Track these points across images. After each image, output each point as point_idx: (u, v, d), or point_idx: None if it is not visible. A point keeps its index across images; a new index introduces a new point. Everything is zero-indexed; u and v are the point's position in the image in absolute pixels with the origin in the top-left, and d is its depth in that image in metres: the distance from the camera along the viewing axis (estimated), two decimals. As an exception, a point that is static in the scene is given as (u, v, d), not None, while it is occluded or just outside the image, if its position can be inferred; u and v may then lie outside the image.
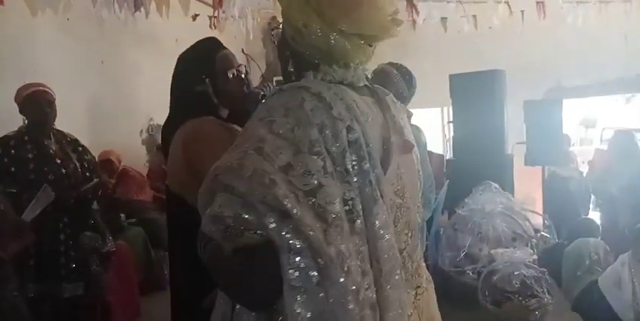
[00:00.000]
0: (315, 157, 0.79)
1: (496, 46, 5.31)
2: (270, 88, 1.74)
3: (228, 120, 1.46)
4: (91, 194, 2.50)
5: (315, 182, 0.78)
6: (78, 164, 2.48)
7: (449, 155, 5.07)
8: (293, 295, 0.75)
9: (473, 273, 3.03)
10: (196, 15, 4.48)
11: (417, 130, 2.41)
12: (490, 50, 5.28)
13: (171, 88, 1.48)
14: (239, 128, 1.43)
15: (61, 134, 2.51)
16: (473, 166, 3.87)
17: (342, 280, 0.75)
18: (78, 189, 2.41)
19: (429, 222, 3.30)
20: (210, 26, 4.53)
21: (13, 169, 2.28)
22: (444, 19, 5.22)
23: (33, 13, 3.27)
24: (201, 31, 4.65)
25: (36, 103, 2.38)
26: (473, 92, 3.93)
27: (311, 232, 0.74)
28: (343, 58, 0.92)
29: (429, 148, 4.54)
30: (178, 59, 1.48)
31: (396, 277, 0.86)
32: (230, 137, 1.32)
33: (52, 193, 2.12)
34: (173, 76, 1.47)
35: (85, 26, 3.85)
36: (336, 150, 0.81)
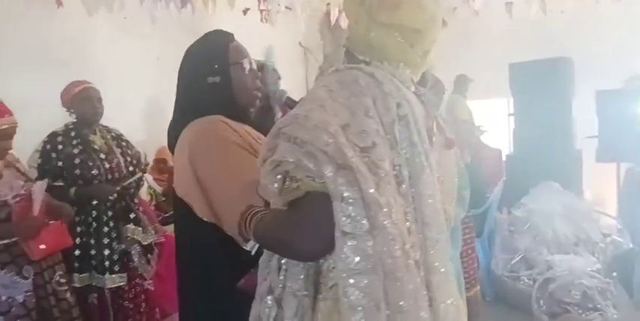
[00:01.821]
0: (370, 120, 0.85)
1: (567, 32, 4.88)
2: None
3: (241, 119, 1.36)
4: (133, 189, 2.57)
5: (370, 141, 0.83)
6: (122, 159, 2.55)
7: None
8: (344, 241, 0.80)
9: (528, 279, 2.80)
10: (247, 9, 4.49)
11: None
12: (561, 37, 4.86)
13: (178, 83, 1.39)
14: (252, 130, 1.35)
15: (106, 129, 2.59)
16: (535, 163, 3.59)
17: (389, 228, 0.80)
18: (121, 183, 2.48)
19: (481, 222, 3.10)
20: (261, 20, 4.53)
21: (60, 163, 2.38)
22: (508, 4, 4.88)
23: (90, 13, 3.41)
24: (252, 25, 4.67)
25: (88, 99, 2.46)
26: (535, 82, 3.62)
27: (364, 183, 0.79)
28: (384, 54, 0.97)
29: (490, 142, 4.27)
30: (187, 51, 1.39)
31: (441, 243, 0.89)
32: (240, 139, 1.26)
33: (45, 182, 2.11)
34: (181, 69, 1.38)
35: (140, 24, 3.97)
36: (387, 120, 0.87)
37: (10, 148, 2.01)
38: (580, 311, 2.51)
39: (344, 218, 0.80)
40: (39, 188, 2.02)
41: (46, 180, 2.14)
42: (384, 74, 0.93)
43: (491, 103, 6.35)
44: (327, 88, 0.89)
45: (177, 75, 1.40)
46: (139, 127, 3.94)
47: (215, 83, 1.32)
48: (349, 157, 0.80)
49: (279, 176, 0.84)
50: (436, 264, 0.89)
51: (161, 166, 3.87)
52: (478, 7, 4.46)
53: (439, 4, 1.01)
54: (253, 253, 1.05)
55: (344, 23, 4.77)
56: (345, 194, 0.80)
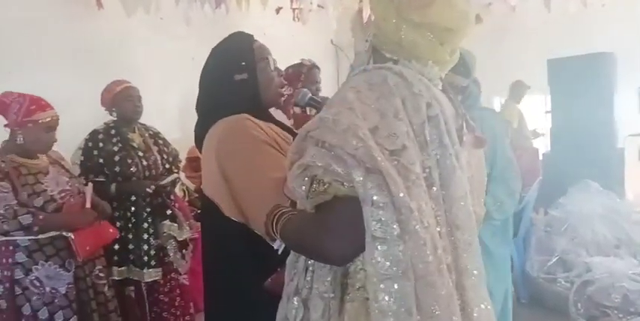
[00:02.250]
0: (400, 122, 0.84)
1: (609, 26, 4.70)
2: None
3: (266, 117, 1.38)
4: (169, 186, 2.64)
5: (400, 144, 0.82)
6: (159, 156, 2.62)
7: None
8: (374, 245, 0.79)
9: (565, 281, 2.72)
10: (280, 8, 4.52)
11: (492, 113, 2.24)
12: (602, 31, 4.68)
13: (201, 83, 1.40)
14: (277, 128, 1.36)
15: (144, 128, 2.66)
16: (574, 162, 3.48)
17: (421, 232, 0.79)
18: (158, 180, 2.55)
19: (516, 221, 3.02)
20: (293, 18, 4.55)
21: (101, 160, 2.47)
22: (546, -2, 4.74)
23: (128, 15, 3.52)
24: (285, 24, 4.70)
25: (129, 98, 2.55)
26: (575, 79, 3.50)
27: (394, 187, 0.78)
28: (414, 52, 0.95)
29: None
30: (212, 52, 1.40)
31: (473, 246, 0.89)
32: (268, 137, 1.27)
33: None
34: (206, 69, 1.39)
35: (176, 24, 4.06)
36: (417, 121, 0.86)
37: (56, 140, 2.10)
38: (620, 315, 2.42)
39: (374, 223, 0.79)
40: (90, 186, 2.17)
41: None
42: (413, 73, 0.91)
43: (527, 101, 6.18)
44: (355, 90, 0.88)
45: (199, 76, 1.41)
46: (175, 125, 4.03)
47: (242, 80, 1.33)
48: (379, 161, 0.78)
49: (306, 179, 0.84)
50: (468, 267, 0.88)
51: (193, 164, 3.94)
52: (515, 2, 4.35)
53: (469, 0, 0.99)
54: (280, 252, 1.05)
55: (376, 21, 4.74)
56: (374, 198, 0.78)
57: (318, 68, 2.69)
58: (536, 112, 6.10)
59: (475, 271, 0.89)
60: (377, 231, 0.79)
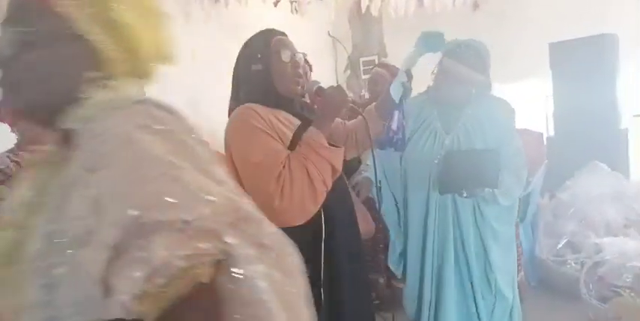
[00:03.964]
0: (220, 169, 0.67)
1: (610, 7, 4.66)
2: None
3: (278, 105, 1.50)
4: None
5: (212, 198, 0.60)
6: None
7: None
8: None
9: (575, 263, 2.73)
10: (278, 1, 4.49)
11: (499, 103, 2.24)
12: (603, 12, 4.64)
13: (233, 72, 1.56)
14: (287, 117, 1.49)
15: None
16: (577, 144, 3.49)
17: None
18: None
19: (523, 206, 3.03)
20: (291, 11, 4.53)
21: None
22: (546, -20, 4.70)
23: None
24: (283, 16, 4.67)
25: None
26: (576, 61, 3.50)
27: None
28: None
29: (527, 126, 4.17)
30: (243, 44, 1.56)
31: None
32: (265, 126, 1.41)
33: None
34: (236, 60, 1.56)
35: (175, 20, 4.04)
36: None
37: None
38: (633, 294, 2.43)
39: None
40: None
41: None
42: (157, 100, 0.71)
43: (527, 85, 6.15)
44: (138, 145, 0.62)
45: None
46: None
47: (257, 71, 1.48)
48: (243, 203, 0.64)
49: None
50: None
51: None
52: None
53: None
54: None
55: (375, 11, 4.71)
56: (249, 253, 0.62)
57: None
58: (537, 97, 6.07)
59: None
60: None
